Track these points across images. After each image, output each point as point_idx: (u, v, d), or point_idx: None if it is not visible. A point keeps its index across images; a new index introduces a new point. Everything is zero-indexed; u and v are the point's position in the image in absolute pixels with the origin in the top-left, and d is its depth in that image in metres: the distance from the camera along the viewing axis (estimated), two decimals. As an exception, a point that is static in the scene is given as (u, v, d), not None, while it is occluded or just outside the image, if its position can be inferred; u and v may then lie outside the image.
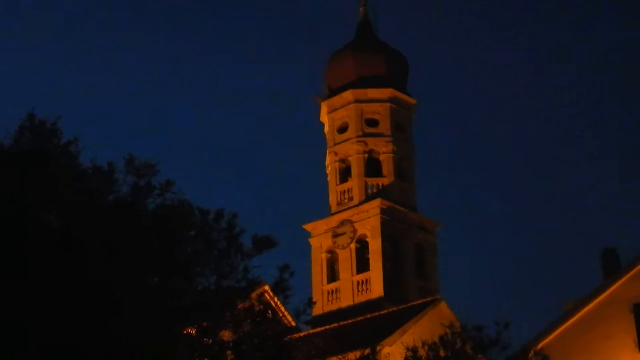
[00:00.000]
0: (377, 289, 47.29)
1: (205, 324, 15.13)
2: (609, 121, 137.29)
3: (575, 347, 28.13)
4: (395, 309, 42.08)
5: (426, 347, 20.18)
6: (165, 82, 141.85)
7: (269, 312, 16.66)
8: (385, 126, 50.93)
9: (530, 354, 21.51)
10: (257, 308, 16.03)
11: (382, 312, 41.98)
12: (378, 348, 28.31)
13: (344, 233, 48.67)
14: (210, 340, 15.17)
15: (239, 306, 15.72)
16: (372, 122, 51.24)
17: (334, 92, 52.33)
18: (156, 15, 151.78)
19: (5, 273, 12.42)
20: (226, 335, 15.27)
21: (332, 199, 50.64)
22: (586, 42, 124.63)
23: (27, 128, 14.41)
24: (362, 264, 48.26)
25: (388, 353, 24.64)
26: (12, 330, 11.81)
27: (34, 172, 13.46)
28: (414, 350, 20.26)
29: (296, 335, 20.18)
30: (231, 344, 15.34)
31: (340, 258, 48.94)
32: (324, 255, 49.46)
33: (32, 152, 14.02)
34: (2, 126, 14.35)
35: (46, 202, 13.56)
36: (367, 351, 22.37)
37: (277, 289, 16.49)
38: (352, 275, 48.37)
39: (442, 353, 19.89)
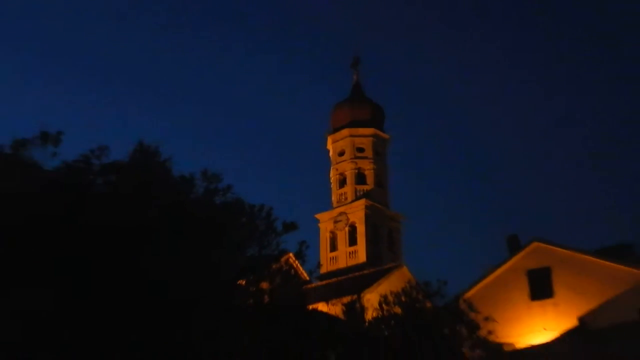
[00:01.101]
0: (362, 257, 48.12)
1: (251, 278, 15.01)
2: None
3: (490, 297, 27.95)
4: (373, 270, 42.51)
5: (392, 295, 19.96)
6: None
7: (292, 270, 16.63)
8: (369, 152, 52.38)
9: (460, 301, 21.19)
10: (285, 268, 15.98)
11: (365, 272, 42.55)
12: (362, 295, 28.21)
13: (341, 220, 49.95)
14: (254, 288, 15.03)
15: (273, 267, 15.63)
16: (360, 149, 52.50)
17: (336, 129, 53.79)
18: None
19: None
20: (264, 285, 15.16)
21: (334, 198, 51.83)
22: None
23: (138, 151, 14.26)
24: (352, 241, 49.30)
25: (368, 299, 24.39)
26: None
27: (146, 183, 13.37)
28: (385, 297, 20.10)
29: (309, 286, 20.01)
30: (268, 290, 15.22)
31: (338, 236, 49.91)
32: (328, 235, 50.39)
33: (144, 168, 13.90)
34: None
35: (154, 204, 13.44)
36: (355, 297, 22.13)
37: (298, 256, 16.57)
38: (346, 247, 49.31)
39: (403, 299, 19.71)
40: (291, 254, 17.05)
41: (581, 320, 24.48)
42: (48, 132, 13.13)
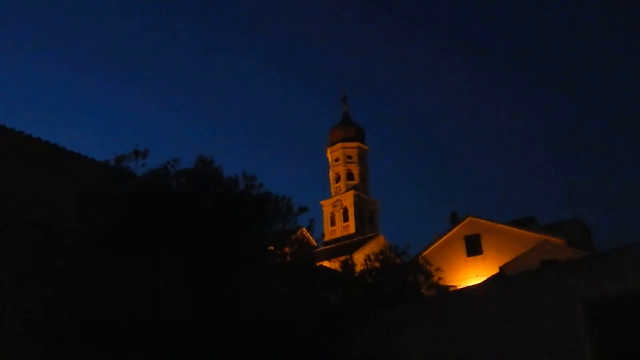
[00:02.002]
0: (352, 229, 48.45)
1: (278, 245, 15.16)
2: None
3: (439, 255, 28.15)
4: (360, 238, 42.31)
5: (373, 255, 20.07)
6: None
7: (305, 239, 16.69)
8: (355, 159, 53.08)
9: (419, 258, 21.33)
10: (300, 238, 16.06)
11: (354, 240, 42.33)
12: (353, 255, 28.12)
13: (337, 205, 49.98)
14: (280, 252, 15.17)
15: (292, 237, 15.74)
16: (349, 157, 52.92)
17: (332, 143, 53.76)
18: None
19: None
20: (286, 249, 15.28)
21: (332, 190, 52.49)
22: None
23: (200, 161, 14.48)
24: (346, 219, 49.71)
25: (357, 258, 24.57)
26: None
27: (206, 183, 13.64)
28: (368, 256, 20.21)
29: (317, 249, 20.17)
30: (289, 253, 15.35)
31: (336, 216, 50.52)
32: (329, 215, 50.27)
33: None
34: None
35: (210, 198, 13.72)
36: (348, 257, 22.11)
37: (309, 229, 16.55)
38: (341, 223, 49.53)
39: (380, 257, 19.82)
40: (304, 229, 17.20)
41: (501, 269, 24.69)
42: (139, 149, 13.52)
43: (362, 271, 19.71)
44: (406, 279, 19.30)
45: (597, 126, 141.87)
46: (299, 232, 16.88)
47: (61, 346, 9.71)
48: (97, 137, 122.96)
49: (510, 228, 29.80)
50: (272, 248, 15.39)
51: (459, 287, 23.00)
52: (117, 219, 11.34)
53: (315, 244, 21.77)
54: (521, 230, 29.20)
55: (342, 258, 23.26)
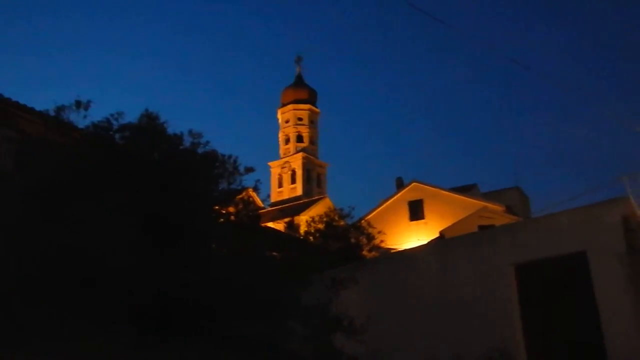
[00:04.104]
0: (299, 191, 48.75)
1: (223, 204, 15.05)
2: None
3: (384, 218, 28.79)
4: (306, 200, 42.69)
5: (318, 217, 20.32)
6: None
7: (251, 199, 16.65)
8: (305, 121, 52.50)
9: (363, 221, 21.70)
10: (246, 197, 15.98)
11: (301, 202, 42.61)
12: (298, 216, 28.29)
13: (286, 167, 49.78)
14: (225, 211, 15.11)
15: (238, 197, 15.67)
16: (300, 119, 52.32)
17: (284, 105, 53.35)
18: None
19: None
20: (231, 209, 15.23)
21: (281, 152, 51.60)
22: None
23: (145, 115, 14.14)
24: (293, 181, 49.81)
25: (302, 219, 24.79)
26: None
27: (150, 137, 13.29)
28: (312, 217, 20.42)
29: (263, 210, 20.28)
30: (234, 213, 15.27)
31: (284, 178, 50.18)
32: (277, 176, 50.40)
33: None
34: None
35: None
36: (292, 218, 22.30)
37: (255, 190, 16.47)
38: (289, 185, 49.49)
39: (325, 219, 20.04)
40: (251, 189, 17.17)
41: (441, 233, 25.57)
42: (80, 99, 13.09)
43: (306, 232, 19.96)
44: (349, 241, 19.68)
45: (540, 96, 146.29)
46: (245, 193, 16.86)
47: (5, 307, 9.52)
48: (37, 86, 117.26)
49: (452, 194, 30.74)
50: (217, 207, 15.34)
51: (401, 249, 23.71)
52: (61, 169, 11.06)
53: (262, 205, 21.84)
54: (462, 197, 30.18)
55: (288, 219, 23.50)
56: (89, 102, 13.33)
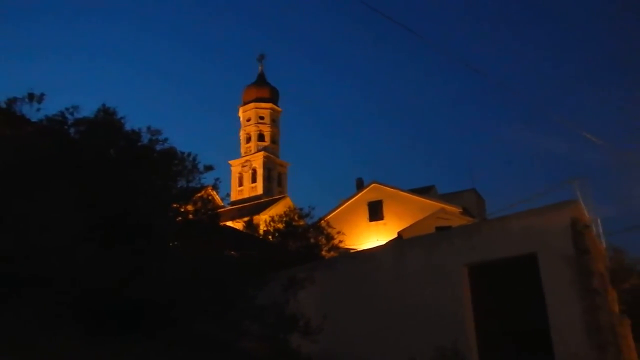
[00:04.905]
0: (259, 191, 48.40)
1: (181, 202, 14.84)
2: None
3: (343, 219, 28.97)
4: (267, 199, 42.47)
5: (277, 216, 20.29)
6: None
7: (210, 197, 16.48)
8: (267, 120, 52.16)
9: (322, 221, 21.77)
10: (205, 196, 15.80)
11: (261, 201, 42.34)
12: (258, 216, 28.13)
13: (247, 165, 49.32)
14: (183, 209, 14.90)
15: (197, 195, 15.49)
16: (262, 117, 52.01)
17: (246, 103, 52.87)
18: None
19: None
20: (190, 207, 15.04)
21: (242, 150, 51.27)
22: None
23: (102, 110, 13.80)
24: (254, 179, 49.39)
25: (262, 218, 24.72)
26: None
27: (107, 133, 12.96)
28: (272, 217, 20.38)
29: (222, 209, 20.11)
30: (192, 211, 15.07)
31: (245, 176, 49.80)
32: (237, 175, 49.93)
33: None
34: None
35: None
36: (253, 217, 22.18)
37: (215, 188, 16.32)
38: (249, 184, 49.00)
39: (284, 218, 20.04)
40: (210, 187, 16.98)
41: (399, 234, 25.88)
42: (34, 92, 12.70)
43: (265, 232, 19.91)
44: (308, 241, 19.72)
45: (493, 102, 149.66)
46: (204, 191, 16.66)
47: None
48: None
49: (411, 196, 31.15)
50: (176, 205, 15.13)
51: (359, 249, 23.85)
52: (10, 162, 10.72)
53: (222, 204, 21.67)
54: (421, 198, 30.61)
55: (247, 218, 23.37)
56: (42, 94, 12.91)
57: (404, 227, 26.60)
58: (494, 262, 11.60)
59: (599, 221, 14.55)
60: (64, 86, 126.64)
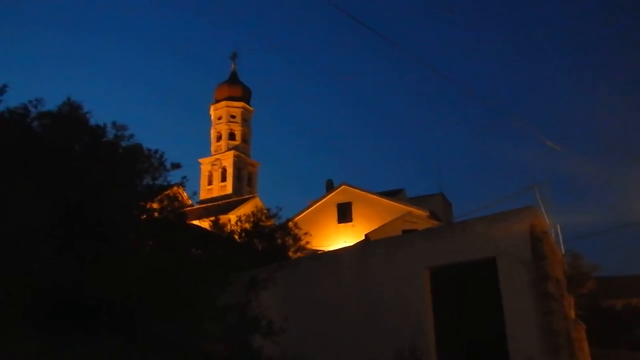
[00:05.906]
0: (229, 190, 48.00)
1: (146, 200, 14.64)
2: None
3: (312, 220, 29.06)
4: (236, 199, 42.26)
5: (245, 216, 20.22)
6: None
7: (178, 196, 16.29)
8: (238, 119, 51.98)
9: (290, 222, 21.77)
10: (172, 194, 15.60)
11: (230, 200, 42.15)
12: (226, 215, 27.97)
13: (217, 164, 48.95)
14: (148, 205, 14.69)
15: (164, 193, 15.29)
16: (233, 116, 51.71)
17: (217, 101, 52.55)
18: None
19: None
20: (155, 205, 14.84)
21: (213, 149, 50.83)
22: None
23: (66, 104, 13.54)
24: (224, 178, 48.97)
25: (230, 218, 24.53)
26: None
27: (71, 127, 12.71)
28: (240, 217, 20.29)
29: (189, 208, 19.89)
30: (158, 209, 14.87)
31: (214, 175, 49.50)
32: (207, 173, 49.53)
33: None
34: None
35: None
36: (220, 216, 22.01)
37: (182, 186, 16.11)
38: (219, 183, 48.65)
39: (252, 218, 19.97)
40: (177, 186, 16.79)
41: (367, 235, 25.90)
42: None
43: (232, 231, 19.81)
44: (275, 242, 19.67)
45: (466, 108, 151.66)
46: (171, 189, 16.47)
47: None
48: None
49: (380, 198, 31.33)
50: (141, 203, 14.93)
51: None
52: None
53: (189, 202, 21.45)
54: (389, 201, 30.82)
55: (214, 218, 23.22)
56: (4, 86, 12.63)
57: (372, 229, 26.78)
58: (456, 265, 11.77)
59: (558, 227, 14.90)
60: (28, 82, 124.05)
